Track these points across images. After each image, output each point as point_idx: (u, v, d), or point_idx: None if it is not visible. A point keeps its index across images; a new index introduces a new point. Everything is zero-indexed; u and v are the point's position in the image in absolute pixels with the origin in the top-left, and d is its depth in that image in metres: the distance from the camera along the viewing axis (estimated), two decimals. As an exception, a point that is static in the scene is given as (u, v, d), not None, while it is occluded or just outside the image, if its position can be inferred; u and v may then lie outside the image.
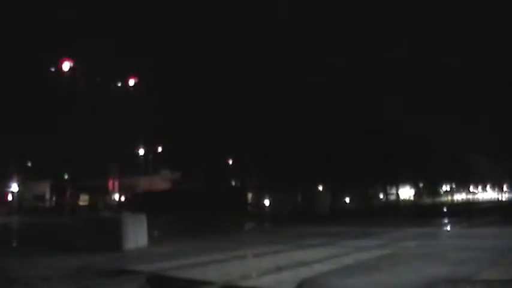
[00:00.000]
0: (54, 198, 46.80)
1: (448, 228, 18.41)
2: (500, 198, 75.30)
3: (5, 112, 33.77)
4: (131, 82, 25.96)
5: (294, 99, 33.92)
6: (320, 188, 33.98)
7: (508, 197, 77.96)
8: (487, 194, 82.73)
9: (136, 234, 12.09)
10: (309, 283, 6.62)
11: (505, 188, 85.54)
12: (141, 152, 44.98)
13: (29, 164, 44.48)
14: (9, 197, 42.61)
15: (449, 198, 66.77)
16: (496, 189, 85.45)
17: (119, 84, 29.52)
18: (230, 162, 39.52)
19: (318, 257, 9.10)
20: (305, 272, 7.40)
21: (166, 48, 36.46)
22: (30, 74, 32.81)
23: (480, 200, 70.36)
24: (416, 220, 23.42)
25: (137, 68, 31.68)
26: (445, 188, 70.56)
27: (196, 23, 36.71)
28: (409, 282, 6.49)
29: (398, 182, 58.24)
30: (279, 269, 7.82)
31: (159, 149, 44.10)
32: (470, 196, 74.67)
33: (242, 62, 34.55)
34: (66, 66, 20.00)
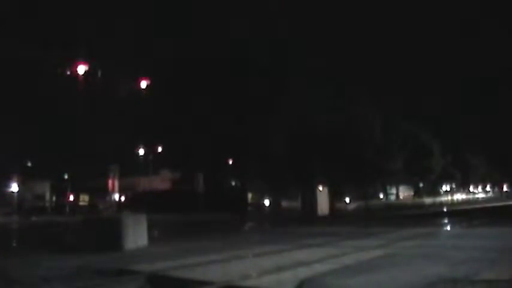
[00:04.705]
0: (54, 198, 46.82)
1: (448, 228, 18.42)
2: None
3: (5, 112, 33.79)
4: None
5: (291, 99, 34.00)
6: (320, 188, 34.03)
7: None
8: (487, 194, 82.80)
9: (136, 234, 12.10)
10: (309, 283, 6.62)
11: (505, 188, 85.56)
12: (141, 152, 45.03)
13: (29, 164, 44.51)
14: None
15: (449, 198, 66.82)
16: (496, 189, 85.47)
17: (119, 84, 29.62)
18: (230, 162, 39.53)
19: (318, 257, 9.10)
20: (305, 272, 7.40)
21: (166, 48, 36.48)
22: (30, 74, 32.82)
23: (480, 200, 70.40)
24: (416, 220, 23.45)
25: (137, 68, 31.71)
26: (445, 188, 70.61)
27: (196, 23, 36.69)
28: (409, 282, 6.49)
29: (398, 182, 58.27)
30: (279, 269, 7.82)
31: (159, 149, 44.12)
32: (470, 196, 74.73)
33: (241, 61, 34.57)
34: (81, 69, 20.11)
